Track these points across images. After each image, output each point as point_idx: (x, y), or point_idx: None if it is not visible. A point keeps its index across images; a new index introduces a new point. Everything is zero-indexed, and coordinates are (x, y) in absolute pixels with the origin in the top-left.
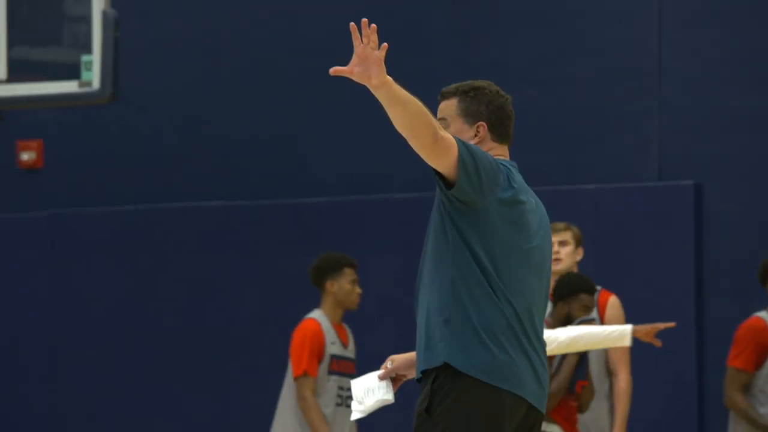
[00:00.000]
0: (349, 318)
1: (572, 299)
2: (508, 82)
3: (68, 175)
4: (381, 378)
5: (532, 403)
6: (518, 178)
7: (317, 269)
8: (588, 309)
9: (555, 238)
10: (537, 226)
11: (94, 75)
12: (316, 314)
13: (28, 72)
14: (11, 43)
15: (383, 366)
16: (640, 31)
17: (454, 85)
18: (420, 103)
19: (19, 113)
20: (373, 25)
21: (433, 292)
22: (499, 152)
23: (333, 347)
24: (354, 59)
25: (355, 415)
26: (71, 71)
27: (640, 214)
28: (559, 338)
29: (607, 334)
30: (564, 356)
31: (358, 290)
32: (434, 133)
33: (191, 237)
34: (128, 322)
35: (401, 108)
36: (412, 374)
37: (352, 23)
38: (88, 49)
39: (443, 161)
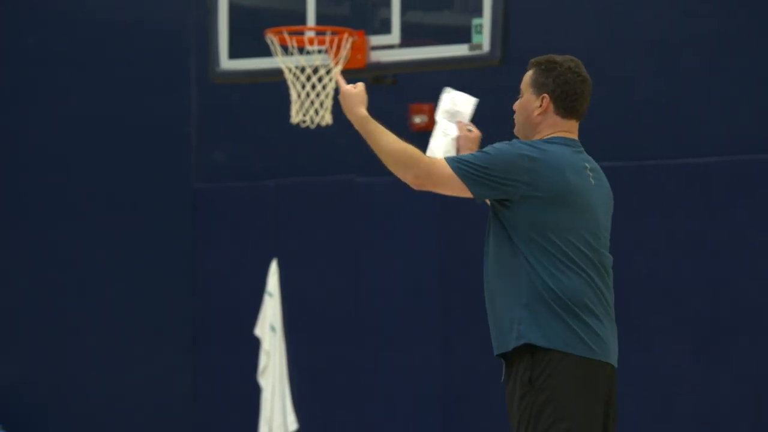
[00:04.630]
0: None
1: None
2: None
3: None
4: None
5: (614, 365)
6: (567, 157)
7: None
8: None
9: None
10: (594, 201)
11: (484, 38)
12: None
13: (419, 36)
14: (404, 8)
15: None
16: None
17: (536, 58)
18: (394, 144)
19: (410, 77)
20: (336, 70)
21: (504, 279)
22: (564, 128)
23: None
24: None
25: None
26: (462, 35)
27: None
28: None
29: None
30: None
31: None
32: (414, 175)
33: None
34: None
35: (372, 144)
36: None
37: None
38: (478, 13)
39: (448, 190)
